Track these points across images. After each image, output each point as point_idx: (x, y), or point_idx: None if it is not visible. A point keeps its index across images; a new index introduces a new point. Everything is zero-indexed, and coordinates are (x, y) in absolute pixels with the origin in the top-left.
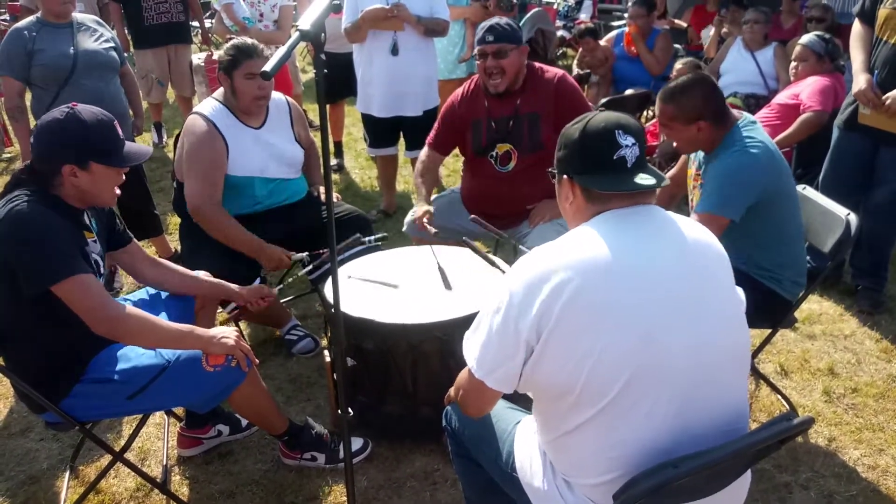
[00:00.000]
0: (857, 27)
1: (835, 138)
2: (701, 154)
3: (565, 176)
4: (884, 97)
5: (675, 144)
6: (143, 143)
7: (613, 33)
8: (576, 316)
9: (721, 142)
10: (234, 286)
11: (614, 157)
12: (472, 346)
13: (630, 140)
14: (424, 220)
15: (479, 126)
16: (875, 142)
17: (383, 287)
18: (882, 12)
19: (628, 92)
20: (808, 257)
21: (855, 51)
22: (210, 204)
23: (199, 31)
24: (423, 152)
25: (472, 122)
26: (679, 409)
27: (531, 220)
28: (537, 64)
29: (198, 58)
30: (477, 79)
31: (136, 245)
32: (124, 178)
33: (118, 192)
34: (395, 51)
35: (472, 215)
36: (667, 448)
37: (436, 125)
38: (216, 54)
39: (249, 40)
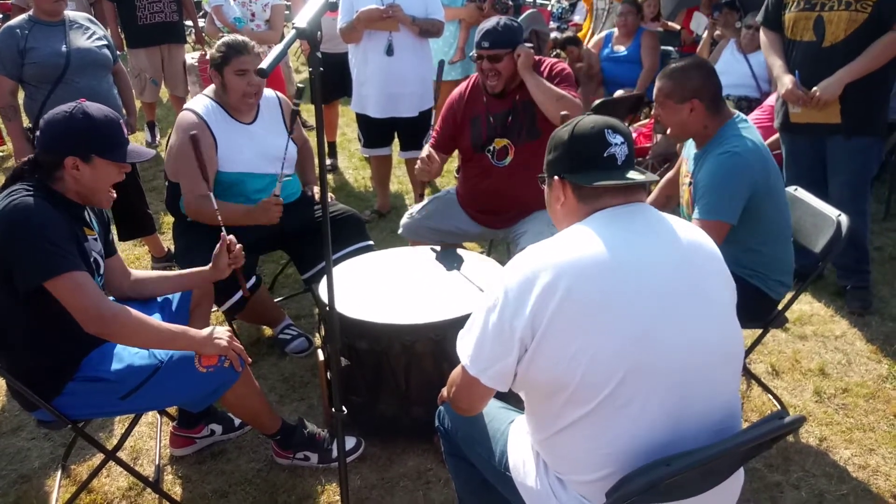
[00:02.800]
0: (764, 35)
1: (783, 144)
2: (693, 153)
3: (556, 177)
4: (811, 91)
5: (668, 131)
6: (135, 142)
7: (602, 34)
8: (569, 314)
9: (713, 136)
10: (202, 268)
11: (604, 155)
12: (466, 344)
13: (619, 139)
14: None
15: (478, 122)
16: (817, 137)
17: (377, 286)
18: (789, 16)
19: (619, 93)
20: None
21: (771, 57)
22: (198, 198)
23: (193, 30)
24: (425, 150)
25: (471, 119)
26: (672, 407)
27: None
28: (536, 56)
29: (191, 57)
30: (476, 78)
31: (119, 259)
32: (124, 176)
33: (114, 194)
34: (390, 51)
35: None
36: (659, 445)
37: (437, 126)
38: (209, 54)
39: (240, 37)
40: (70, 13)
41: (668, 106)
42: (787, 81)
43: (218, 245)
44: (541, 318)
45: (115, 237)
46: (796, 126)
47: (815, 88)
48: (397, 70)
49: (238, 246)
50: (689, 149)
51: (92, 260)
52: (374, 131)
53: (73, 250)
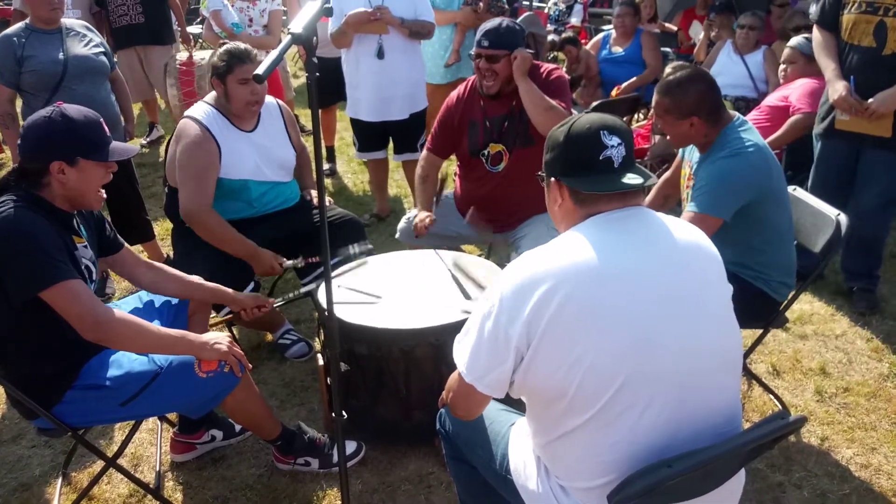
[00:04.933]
0: (818, 35)
1: (817, 148)
2: (695, 156)
3: (553, 179)
4: (867, 103)
5: (668, 137)
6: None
7: (599, 36)
8: (566, 323)
9: (714, 141)
10: (232, 291)
11: (600, 158)
12: (462, 351)
13: (616, 140)
14: (426, 222)
15: (475, 127)
16: (857, 145)
17: (376, 291)
18: (848, 18)
19: (613, 92)
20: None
21: (823, 59)
22: (201, 207)
23: (180, 32)
24: (423, 157)
25: (469, 123)
26: (672, 412)
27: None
28: (534, 62)
29: (180, 59)
30: (473, 81)
31: (128, 250)
32: (112, 176)
33: (104, 194)
34: (380, 54)
35: (469, 215)
36: (660, 451)
37: (434, 128)
38: (196, 56)
39: (243, 45)
40: (67, 21)
41: (669, 121)
42: (840, 88)
43: (263, 301)
44: (537, 327)
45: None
46: (838, 132)
47: (870, 100)
48: (388, 73)
49: (269, 308)
50: (691, 152)
51: (84, 267)
52: (368, 135)
53: (65, 259)
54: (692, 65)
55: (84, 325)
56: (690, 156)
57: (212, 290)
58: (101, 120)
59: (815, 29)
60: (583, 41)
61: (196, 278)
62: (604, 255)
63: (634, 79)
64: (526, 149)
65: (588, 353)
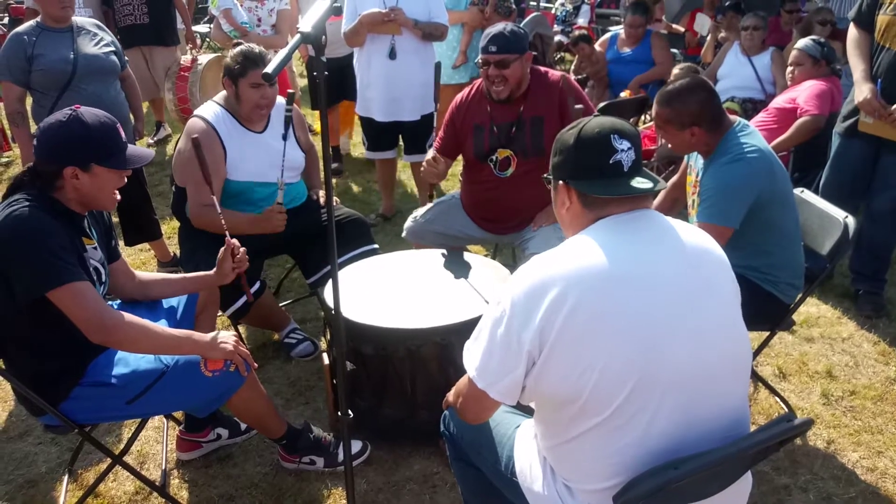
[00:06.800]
0: (853, 33)
1: (835, 145)
2: (700, 162)
3: (561, 182)
4: (891, 109)
5: (669, 146)
6: (140, 145)
7: (606, 36)
8: (578, 327)
9: (717, 147)
10: (206, 273)
11: (610, 162)
12: (472, 356)
13: (626, 144)
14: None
15: (481, 131)
16: (877, 148)
17: (382, 291)
18: (882, 19)
19: (623, 94)
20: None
21: (854, 59)
22: (205, 209)
23: (185, 32)
24: (430, 153)
25: (473, 126)
26: (681, 416)
27: (535, 222)
28: (542, 68)
29: (185, 60)
30: (479, 83)
31: (122, 261)
32: (126, 181)
33: (118, 196)
34: (392, 55)
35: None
36: (668, 453)
37: (441, 130)
38: (200, 58)
39: (257, 48)
40: (78, 19)
41: (670, 131)
42: (865, 90)
43: (222, 249)
44: (549, 332)
45: (121, 241)
46: (859, 132)
47: (895, 106)
48: (400, 73)
49: (242, 250)
50: (696, 158)
51: (92, 269)
52: (379, 135)
53: (74, 260)
54: (695, 66)
55: (89, 327)
56: (696, 162)
57: (193, 279)
58: (118, 125)
59: (851, 27)
60: None
61: (194, 275)
62: (613, 258)
63: (641, 77)
64: (536, 158)
65: (600, 357)
